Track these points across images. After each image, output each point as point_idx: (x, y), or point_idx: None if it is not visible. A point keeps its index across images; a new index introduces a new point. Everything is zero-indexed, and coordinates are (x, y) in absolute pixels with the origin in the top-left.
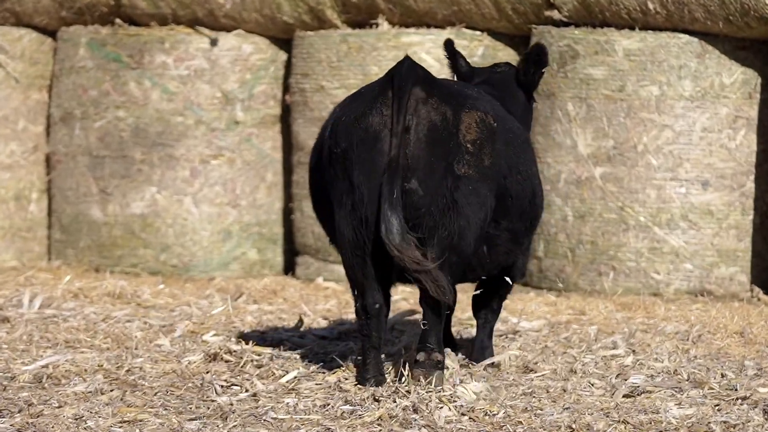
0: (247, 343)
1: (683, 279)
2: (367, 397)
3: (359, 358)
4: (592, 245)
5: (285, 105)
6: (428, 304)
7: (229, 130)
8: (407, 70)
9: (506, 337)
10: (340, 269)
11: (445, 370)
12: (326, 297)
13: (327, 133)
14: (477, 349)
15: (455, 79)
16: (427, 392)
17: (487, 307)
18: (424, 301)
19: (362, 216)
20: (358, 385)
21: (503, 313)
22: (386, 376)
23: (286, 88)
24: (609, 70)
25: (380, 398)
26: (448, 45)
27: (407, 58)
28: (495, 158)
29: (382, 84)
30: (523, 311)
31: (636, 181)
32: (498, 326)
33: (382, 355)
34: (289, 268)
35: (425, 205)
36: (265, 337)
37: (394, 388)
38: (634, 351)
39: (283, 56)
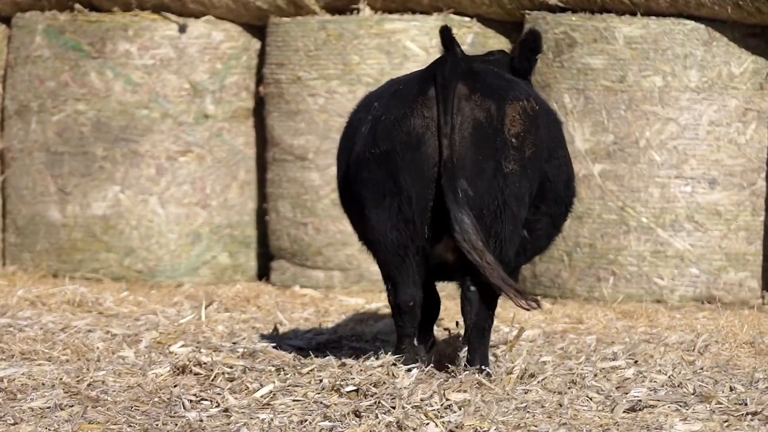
0: (218, 355)
1: (689, 285)
2: (348, 413)
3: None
4: (591, 248)
5: (259, 97)
6: (476, 324)
7: (198, 125)
8: (451, 68)
9: (498, 348)
10: (318, 275)
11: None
12: (304, 305)
13: (365, 130)
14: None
15: None
16: (412, 407)
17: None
18: (469, 321)
19: (409, 217)
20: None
21: (495, 322)
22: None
23: (259, 79)
24: (608, 60)
25: (362, 414)
26: (446, 32)
27: (450, 54)
28: (539, 146)
29: (421, 82)
30: (516, 320)
31: (638, 179)
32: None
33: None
34: (264, 273)
35: (476, 207)
36: (238, 348)
37: (377, 402)
38: (635, 362)
39: (256, 44)
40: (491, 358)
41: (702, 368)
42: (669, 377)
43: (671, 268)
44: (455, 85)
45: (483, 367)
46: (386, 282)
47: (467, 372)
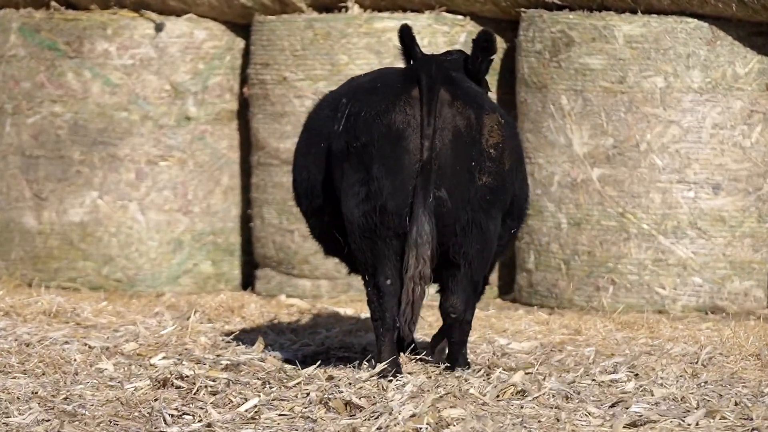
0: (200, 368)
1: (692, 294)
2: (336, 430)
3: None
4: (589, 256)
5: (243, 99)
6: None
7: (179, 127)
8: (435, 71)
9: (493, 356)
10: (305, 284)
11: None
12: (290, 315)
13: (339, 126)
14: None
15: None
16: (404, 421)
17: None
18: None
19: (376, 205)
20: (380, 378)
21: (487, 333)
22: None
23: (244, 80)
24: (608, 59)
25: (354, 429)
26: (406, 31)
27: (433, 56)
28: (512, 159)
29: (404, 81)
30: (512, 331)
31: (638, 184)
32: (483, 347)
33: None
34: (248, 282)
35: (450, 221)
36: (222, 360)
37: (366, 417)
38: (636, 375)
39: (240, 44)
40: (470, 357)
41: (706, 381)
42: (671, 391)
43: (673, 277)
44: (439, 88)
45: (465, 368)
46: (363, 272)
47: (455, 374)
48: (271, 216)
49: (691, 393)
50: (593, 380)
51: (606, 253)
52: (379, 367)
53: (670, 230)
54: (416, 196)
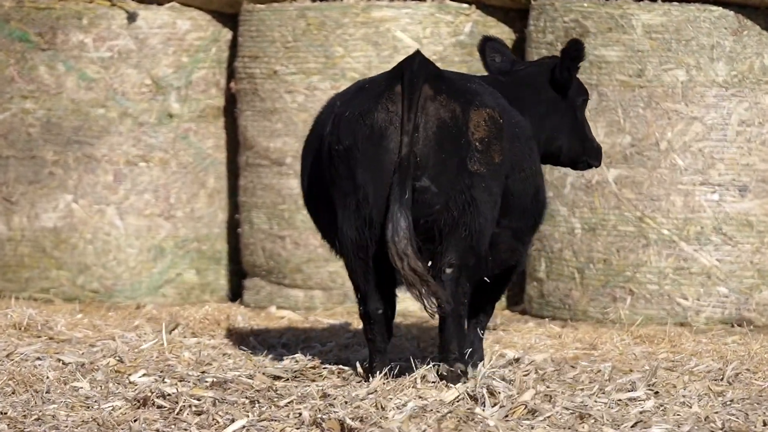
0: (183, 385)
1: (716, 305)
2: None
3: (366, 363)
4: (605, 264)
5: (230, 94)
6: (451, 310)
7: (161, 125)
8: (419, 66)
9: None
10: (296, 294)
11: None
12: (280, 328)
13: (328, 128)
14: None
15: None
16: None
17: (480, 308)
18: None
19: (366, 216)
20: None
21: (498, 348)
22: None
23: (230, 74)
24: (625, 51)
25: None
26: (483, 42)
27: (418, 52)
28: (503, 156)
29: (389, 79)
30: (522, 345)
31: (658, 186)
32: (495, 361)
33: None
34: (236, 293)
35: (440, 202)
36: (207, 377)
37: None
38: (656, 394)
39: (227, 34)
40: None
41: (732, 400)
42: (694, 410)
43: (696, 287)
44: (422, 84)
45: (479, 359)
46: (355, 292)
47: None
48: (261, 221)
49: (716, 413)
50: (609, 399)
51: (623, 261)
52: (372, 383)
53: (693, 236)
54: (392, 193)
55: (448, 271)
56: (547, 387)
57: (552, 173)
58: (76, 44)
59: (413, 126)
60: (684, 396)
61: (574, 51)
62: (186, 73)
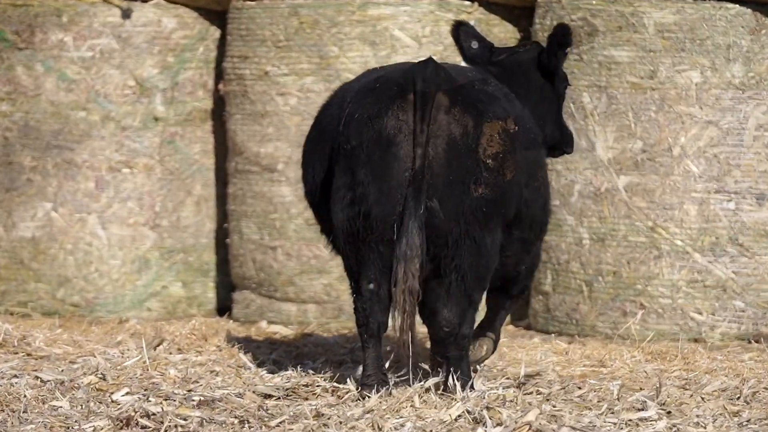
0: (169, 404)
1: (732, 320)
2: None
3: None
4: (615, 277)
5: (218, 96)
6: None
7: (145, 129)
8: (431, 74)
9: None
10: (289, 308)
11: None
12: (271, 344)
13: (340, 126)
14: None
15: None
16: None
17: (493, 316)
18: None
19: (360, 210)
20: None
21: (501, 364)
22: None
23: (219, 75)
24: (636, 51)
25: None
26: (456, 28)
27: (431, 59)
28: (516, 170)
29: (401, 84)
30: (526, 362)
31: (671, 195)
32: (498, 380)
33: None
34: (224, 307)
35: (443, 233)
36: (194, 396)
37: None
38: (668, 414)
39: (215, 33)
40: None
41: (749, 420)
42: (709, 431)
43: (711, 301)
44: (435, 93)
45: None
46: (348, 277)
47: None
48: (251, 231)
49: None
50: (619, 419)
51: (634, 273)
52: (363, 375)
53: (708, 247)
54: (407, 207)
55: (446, 329)
56: (553, 407)
57: (559, 180)
58: (56, 43)
59: (426, 139)
60: (698, 416)
61: (561, 36)
62: (172, 74)
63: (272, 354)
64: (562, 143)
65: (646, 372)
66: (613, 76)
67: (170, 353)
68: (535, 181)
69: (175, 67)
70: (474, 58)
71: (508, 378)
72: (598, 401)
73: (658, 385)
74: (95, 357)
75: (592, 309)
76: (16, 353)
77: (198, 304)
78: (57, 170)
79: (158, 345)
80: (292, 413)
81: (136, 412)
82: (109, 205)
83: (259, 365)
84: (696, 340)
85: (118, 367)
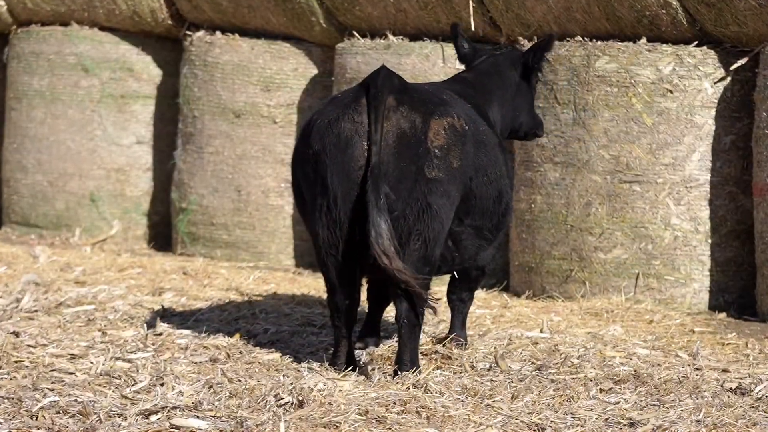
0: None
1: None
2: None
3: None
4: None
5: None
6: (406, 321)
7: None
8: (383, 79)
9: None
10: None
11: None
12: None
13: (300, 135)
14: (450, 337)
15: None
16: None
17: (459, 297)
18: (400, 319)
19: (336, 217)
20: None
21: None
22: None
23: None
24: None
25: None
26: (454, 27)
27: (383, 67)
28: (463, 161)
29: (356, 91)
30: None
31: None
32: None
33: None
34: None
35: (398, 209)
36: None
37: None
38: None
39: None
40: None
41: None
42: None
43: None
44: (386, 95)
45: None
46: (325, 284)
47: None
48: None
49: None
50: None
51: None
52: (333, 365)
53: None
54: (368, 199)
55: (402, 286)
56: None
57: None
58: None
59: (380, 136)
60: None
61: (547, 44)
62: None
63: None
64: (535, 128)
65: None
66: None
67: None
68: (485, 176)
69: None
70: (465, 56)
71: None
72: None
73: None
74: None
75: None
76: None
77: None
78: None
79: None
80: None
81: None
82: None
83: None
84: None
85: None
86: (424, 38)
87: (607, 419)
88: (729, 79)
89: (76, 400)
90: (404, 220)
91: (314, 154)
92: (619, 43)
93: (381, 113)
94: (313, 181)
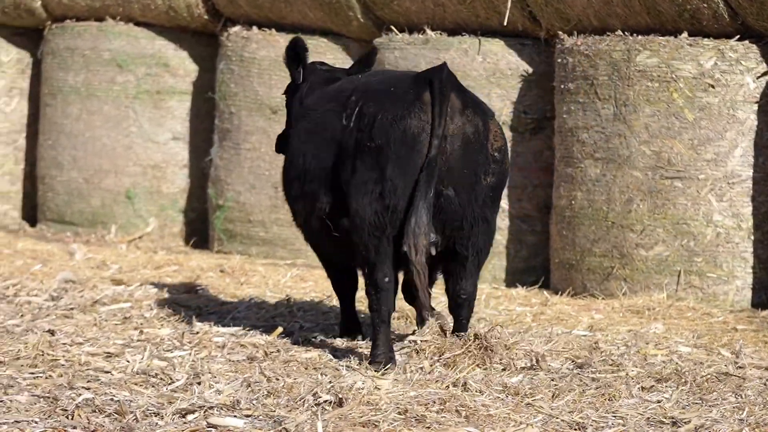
0: None
1: None
2: None
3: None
4: None
5: None
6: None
7: None
8: (447, 76)
9: None
10: None
11: None
12: None
13: (352, 123)
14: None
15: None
16: None
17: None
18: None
19: (389, 204)
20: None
21: None
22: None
23: None
24: None
25: None
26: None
27: (444, 64)
28: (508, 160)
29: (417, 86)
30: None
31: None
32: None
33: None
34: None
35: (458, 217)
36: None
37: None
38: None
39: None
40: None
41: None
42: None
43: None
44: (450, 93)
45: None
46: (363, 266)
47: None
48: None
49: None
50: None
51: None
52: (372, 353)
53: None
54: (419, 190)
55: (463, 296)
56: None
57: None
58: None
59: (443, 131)
60: None
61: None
62: None
63: None
64: None
65: None
66: None
67: None
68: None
69: None
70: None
71: None
72: None
73: None
74: None
75: None
76: None
77: None
78: None
79: None
80: None
81: None
82: None
83: None
84: None
85: None
86: (463, 33)
87: (648, 418)
88: None
89: (112, 399)
90: (461, 230)
91: (376, 147)
92: (660, 38)
93: (445, 110)
94: (367, 170)
